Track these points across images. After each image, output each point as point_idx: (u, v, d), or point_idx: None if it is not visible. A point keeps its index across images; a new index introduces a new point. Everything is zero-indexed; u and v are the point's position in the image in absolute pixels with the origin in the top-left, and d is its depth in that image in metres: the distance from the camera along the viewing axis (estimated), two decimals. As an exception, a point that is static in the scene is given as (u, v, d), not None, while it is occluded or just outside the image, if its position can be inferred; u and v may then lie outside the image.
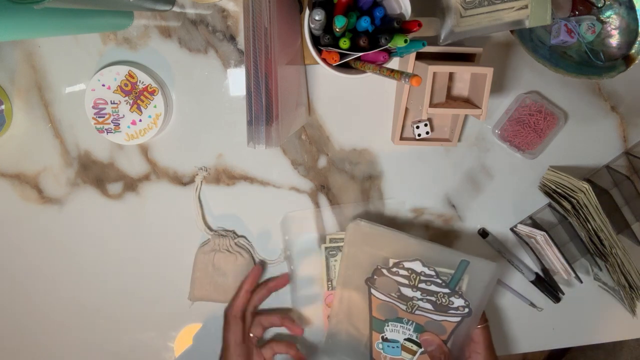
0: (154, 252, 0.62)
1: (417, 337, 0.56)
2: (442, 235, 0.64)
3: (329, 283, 0.59)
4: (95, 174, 0.59)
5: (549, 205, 0.63)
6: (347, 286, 0.57)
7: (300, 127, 0.58)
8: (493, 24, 0.50)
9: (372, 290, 0.55)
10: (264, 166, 0.60)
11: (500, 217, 0.64)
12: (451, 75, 0.56)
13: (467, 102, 0.56)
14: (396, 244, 0.54)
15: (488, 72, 0.50)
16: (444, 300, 0.54)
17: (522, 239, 0.63)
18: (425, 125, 0.57)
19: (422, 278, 0.53)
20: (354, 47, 0.45)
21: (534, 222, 0.63)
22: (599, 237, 0.57)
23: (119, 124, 0.54)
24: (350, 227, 0.55)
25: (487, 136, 0.61)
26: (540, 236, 0.59)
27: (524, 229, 0.62)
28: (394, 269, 0.53)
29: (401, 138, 0.58)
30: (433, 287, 0.53)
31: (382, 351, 0.57)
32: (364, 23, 0.43)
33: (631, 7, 0.53)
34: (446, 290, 0.53)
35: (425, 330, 0.55)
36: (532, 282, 0.64)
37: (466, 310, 0.54)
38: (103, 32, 0.54)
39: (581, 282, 0.63)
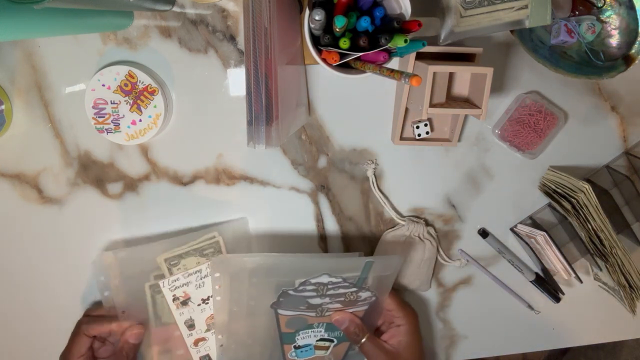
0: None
1: (328, 335, 0.56)
2: (442, 235, 0.64)
3: (157, 320, 0.58)
4: (95, 174, 0.59)
5: (549, 205, 0.63)
6: (247, 317, 0.56)
7: (300, 127, 0.59)
8: (493, 24, 0.50)
9: (280, 310, 0.55)
10: (264, 166, 0.60)
11: (500, 217, 0.64)
12: (451, 75, 0.56)
13: (467, 102, 0.56)
14: (304, 264, 0.53)
15: (488, 72, 0.50)
16: (352, 297, 0.54)
17: (522, 239, 0.63)
18: (425, 125, 0.57)
19: (329, 286, 0.53)
20: (354, 47, 0.45)
21: (534, 222, 0.63)
22: (599, 237, 0.57)
23: (119, 124, 0.54)
24: (220, 264, 0.54)
25: (487, 136, 0.61)
26: (540, 236, 0.59)
27: (524, 229, 0.62)
28: (301, 288, 0.53)
29: (401, 138, 0.58)
30: (341, 290, 0.54)
31: (295, 358, 0.58)
32: (364, 23, 0.43)
33: (631, 7, 0.53)
34: (354, 289, 0.54)
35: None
36: (532, 282, 0.64)
37: (373, 298, 0.55)
38: (103, 32, 0.54)
39: (581, 282, 0.63)
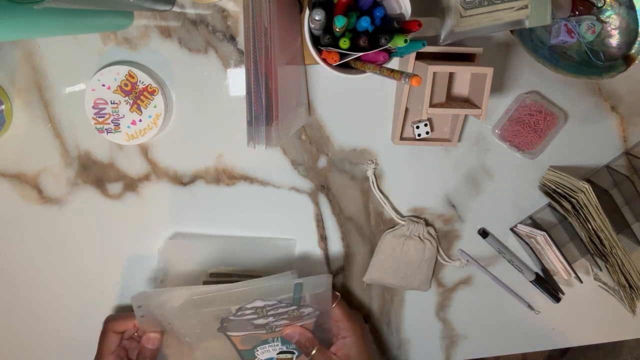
0: (155, 251, 0.62)
1: (287, 348, 0.57)
2: (442, 235, 0.64)
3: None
4: (95, 174, 0.59)
5: (549, 205, 0.63)
6: (200, 342, 0.56)
7: (300, 127, 0.59)
8: (493, 24, 0.50)
9: (229, 332, 0.55)
10: (264, 166, 0.60)
11: (500, 217, 0.64)
12: (451, 75, 0.56)
13: (467, 102, 0.56)
14: (231, 296, 0.53)
15: (488, 72, 0.50)
16: (295, 314, 0.54)
17: (522, 239, 0.63)
18: (425, 125, 0.57)
19: (267, 308, 0.53)
20: (354, 47, 0.45)
21: (534, 222, 0.63)
22: (599, 237, 0.57)
23: (119, 124, 0.54)
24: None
25: (487, 136, 0.61)
26: (540, 236, 0.59)
27: (524, 229, 0.62)
28: (239, 313, 0.53)
29: (401, 138, 0.58)
30: (281, 310, 0.54)
31: None
32: (364, 23, 0.43)
33: (631, 7, 0.53)
34: (294, 307, 0.54)
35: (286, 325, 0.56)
36: (532, 282, 0.64)
37: (317, 312, 0.55)
38: (103, 32, 0.54)
39: (581, 282, 0.63)
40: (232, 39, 0.56)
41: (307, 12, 0.45)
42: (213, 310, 0.53)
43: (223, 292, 0.52)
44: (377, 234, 0.63)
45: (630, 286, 0.59)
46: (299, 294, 0.53)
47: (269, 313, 0.53)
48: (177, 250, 0.60)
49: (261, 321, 0.54)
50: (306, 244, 0.63)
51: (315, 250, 0.63)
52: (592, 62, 0.55)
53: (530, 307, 0.66)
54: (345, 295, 0.65)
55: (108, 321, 0.56)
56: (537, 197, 0.63)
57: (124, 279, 0.62)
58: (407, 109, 0.56)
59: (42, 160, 0.58)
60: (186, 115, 0.58)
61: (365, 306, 0.66)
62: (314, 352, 0.55)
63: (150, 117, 0.54)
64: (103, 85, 0.53)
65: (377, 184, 0.61)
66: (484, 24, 0.50)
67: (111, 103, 0.54)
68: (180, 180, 0.59)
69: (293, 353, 0.58)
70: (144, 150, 0.58)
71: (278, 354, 0.58)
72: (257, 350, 0.57)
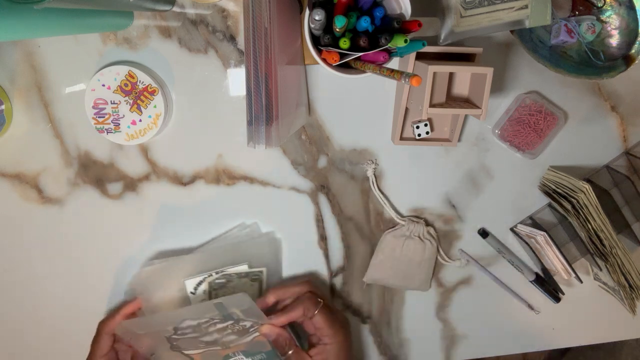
0: (154, 252, 0.62)
1: (252, 359, 0.55)
2: (442, 235, 0.64)
3: None
4: (95, 174, 0.59)
5: (549, 205, 0.63)
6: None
7: (300, 127, 0.59)
8: (493, 24, 0.50)
9: (184, 351, 0.54)
10: (264, 166, 0.60)
11: (500, 217, 0.64)
12: (451, 75, 0.56)
13: (467, 102, 0.56)
14: (159, 319, 0.53)
15: (488, 72, 0.50)
16: (238, 328, 0.53)
17: (522, 239, 0.63)
18: (425, 125, 0.57)
19: (203, 326, 0.52)
20: (354, 47, 0.45)
21: (534, 222, 0.63)
22: (599, 237, 0.57)
23: (119, 124, 0.54)
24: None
25: (487, 136, 0.61)
26: (540, 236, 0.59)
27: (524, 229, 0.62)
28: (180, 332, 0.52)
29: (401, 138, 0.58)
30: (220, 326, 0.52)
31: None
32: (364, 23, 0.43)
33: (631, 7, 0.53)
34: (230, 322, 0.52)
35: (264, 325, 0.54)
36: (532, 282, 0.64)
37: (259, 321, 0.53)
38: (103, 32, 0.54)
39: (581, 282, 0.63)
40: (232, 39, 0.56)
41: (307, 12, 0.45)
42: (152, 332, 0.52)
43: (150, 316, 0.53)
44: (377, 234, 0.63)
45: (630, 286, 0.59)
46: (225, 312, 0.52)
47: (210, 330, 0.52)
48: (151, 280, 0.59)
49: (207, 338, 0.53)
50: (306, 244, 0.63)
51: (315, 250, 0.63)
52: (592, 62, 0.55)
53: (530, 307, 0.66)
54: (345, 296, 0.65)
55: (101, 324, 0.56)
56: (537, 197, 0.63)
57: (123, 279, 0.62)
58: (407, 109, 0.56)
59: (42, 160, 0.58)
60: (186, 115, 0.58)
61: (365, 306, 0.66)
62: (290, 352, 0.54)
63: (150, 117, 0.54)
64: (103, 85, 0.53)
65: (377, 184, 0.61)
66: (484, 24, 0.50)
67: (111, 103, 0.54)
68: (180, 180, 0.59)
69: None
70: (144, 150, 0.58)
71: None
72: None
